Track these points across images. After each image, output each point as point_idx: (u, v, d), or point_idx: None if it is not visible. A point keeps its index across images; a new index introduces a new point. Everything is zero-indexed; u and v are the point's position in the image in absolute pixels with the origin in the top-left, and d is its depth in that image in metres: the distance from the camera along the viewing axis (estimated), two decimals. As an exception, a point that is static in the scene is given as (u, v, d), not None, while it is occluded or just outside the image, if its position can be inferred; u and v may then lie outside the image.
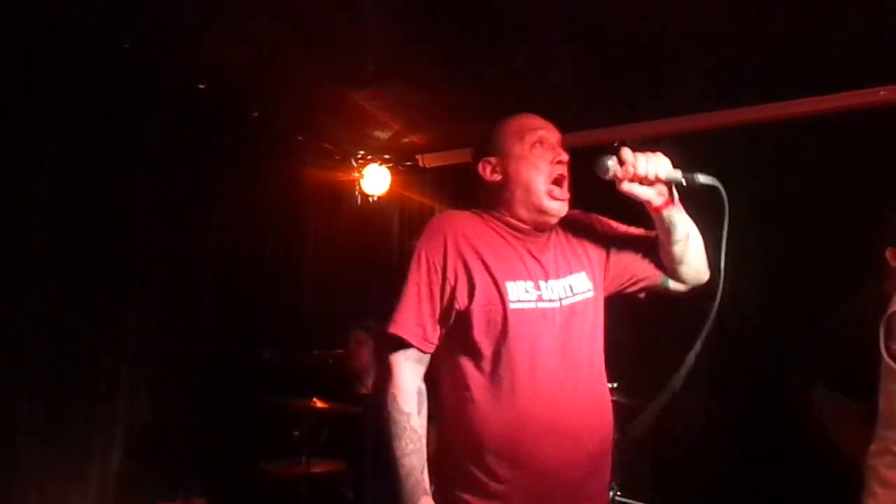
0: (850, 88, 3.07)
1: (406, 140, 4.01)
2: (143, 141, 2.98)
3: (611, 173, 1.53)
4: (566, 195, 1.61)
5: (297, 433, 2.96)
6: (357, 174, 4.19)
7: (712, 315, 1.50)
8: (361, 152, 4.18)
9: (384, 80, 3.27)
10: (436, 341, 1.55)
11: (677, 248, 1.61)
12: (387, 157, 4.18)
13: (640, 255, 1.67)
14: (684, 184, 1.52)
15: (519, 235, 1.60)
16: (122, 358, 2.86)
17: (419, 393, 1.52)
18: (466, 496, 1.50)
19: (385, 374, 1.53)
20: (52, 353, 2.61)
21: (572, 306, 1.56)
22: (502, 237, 1.59)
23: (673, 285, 1.68)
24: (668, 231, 1.59)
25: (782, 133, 3.23)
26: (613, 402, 1.64)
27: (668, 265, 1.65)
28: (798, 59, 2.89)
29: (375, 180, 4.15)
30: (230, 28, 2.76)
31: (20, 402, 2.52)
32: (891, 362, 1.80)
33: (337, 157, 4.15)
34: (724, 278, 1.53)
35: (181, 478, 2.84)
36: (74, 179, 2.71)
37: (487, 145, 1.65)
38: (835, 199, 2.86)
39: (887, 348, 1.81)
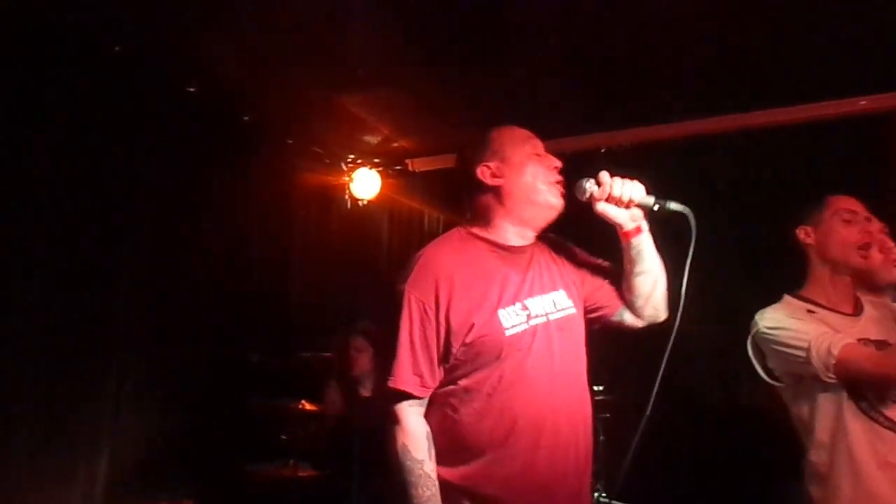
0: (831, 98, 3.14)
1: (396, 144, 4.04)
2: (134, 144, 2.99)
3: (588, 194, 1.61)
4: (563, 194, 1.68)
5: (285, 436, 2.97)
6: (347, 178, 4.21)
7: (672, 336, 1.54)
8: (351, 156, 4.21)
9: (374, 85, 3.30)
10: (434, 384, 1.56)
11: (639, 280, 1.66)
12: (377, 161, 4.21)
13: (605, 284, 1.73)
14: (656, 209, 1.58)
15: (503, 254, 1.64)
16: (111, 360, 2.86)
17: (427, 437, 1.54)
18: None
19: (392, 424, 1.54)
20: (39, 356, 2.60)
21: (558, 321, 1.61)
22: (486, 259, 1.62)
23: (629, 320, 1.72)
24: (633, 261, 1.65)
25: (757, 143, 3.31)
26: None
27: (629, 298, 1.70)
28: (779, 68, 2.95)
29: (365, 184, 4.17)
30: (222, 32, 2.78)
31: (8, 403, 2.52)
32: (768, 379, 1.91)
33: (327, 161, 4.17)
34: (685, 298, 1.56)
35: (168, 480, 2.84)
36: (64, 182, 2.71)
37: (485, 151, 1.69)
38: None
39: (764, 369, 1.92)
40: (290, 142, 3.89)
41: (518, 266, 1.64)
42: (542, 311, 1.60)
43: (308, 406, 2.99)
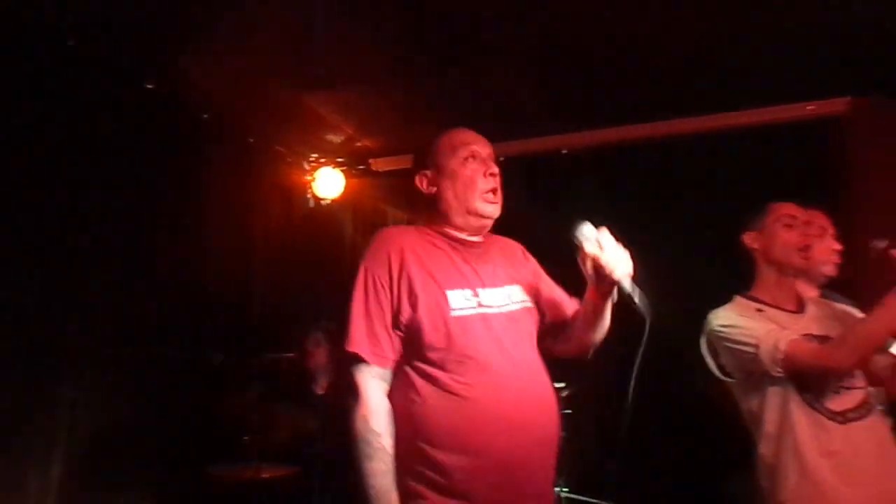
0: (780, 103, 3.27)
1: (359, 144, 4.04)
2: (89, 140, 2.91)
3: (582, 239, 1.62)
4: (498, 200, 1.71)
5: (247, 437, 2.94)
6: (310, 177, 4.18)
7: (644, 338, 1.60)
8: (314, 155, 4.18)
9: (337, 84, 3.29)
10: (393, 355, 1.59)
11: (583, 327, 1.73)
12: (340, 160, 4.19)
13: (552, 306, 1.79)
14: (627, 293, 1.60)
15: (458, 246, 1.69)
16: (67, 361, 2.78)
17: (388, 413, 1.56)
18: (421, 489, 1.54)
19: (353, 395, 1.57)
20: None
21: (512, 313, 1.65)
22: (442, 249, 1.67)
23: (556, 346, 1.78)
24: (590, 316, 1.70)
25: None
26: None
27: (565, 334, 1.77)
28: (735, 74, 3.06)
29: (328, 184, 4.16)
30: (183, 28, 2.74)
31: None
32: (721, 376, 2.01)
33: (289, 160, 4.14)
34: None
35: (126, 482, 2.78)
36: (16, 177, 2.63)
37: (424, 159, 1.73)
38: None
39: (718, 366, 2.02)
40: (251, 140, 3.85)
41: (472, 257, 1.69)
42: (496, 301, 1.64)
43: (270, 408, 2.97)
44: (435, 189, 1.70)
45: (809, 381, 1.87)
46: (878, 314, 1.79)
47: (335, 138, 3.98)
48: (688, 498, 3.08)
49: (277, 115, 3.65)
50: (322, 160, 4.18)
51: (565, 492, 2.64)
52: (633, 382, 1.60)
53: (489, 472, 1.52)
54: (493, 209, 1.70)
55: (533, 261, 1.84)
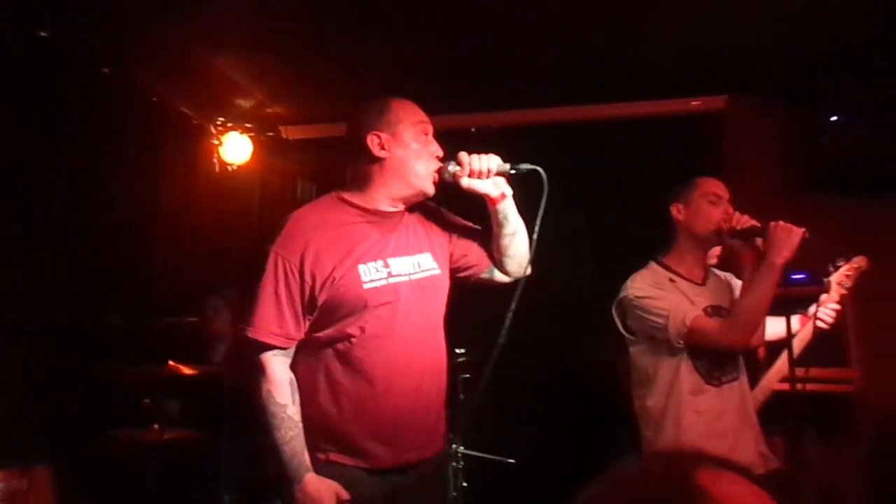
0: (670, 97, 3.56)
1: (269, 110, 3.99)
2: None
3: (452, 175, 1.77)
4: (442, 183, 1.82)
5: (147, 401, 2.91)
6: (216, 141, 4.09)
7: (518, 290, 1.77)
8: (221, 119, 4.09)
9: (249, 49, 3.24)
10: (298, 336, 1.69)
11: (506, 242, 1.85)
12: (248, 126, 4.12)
13: (474, 245, 1.90)
14: (513, 172, 1.78)
15: (370, 218, 1.76)
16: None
17: (291, 384, 1.67)
18: (328, 448, 1.69)
19: (257, 372, 1.66)
20: None
21: (420, 281, 1.76)
22: (353, 222, 1.74)
23: (498, 276, 1.92)
24: (500, 224, 1.84)
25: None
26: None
27: (497, 257, 1.89)
28: (632, 69, 3.29)
29: (236, 149, 4.08)
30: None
31: None
32: (626, 333, 2.25)
33: (195, 122, 4.03)
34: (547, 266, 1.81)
35: (22, 446, 2.69)
36: None
37: (377, 121, 1.76)
38: (638, 196, 3.33)
39: (623, 325, 2.25)
40: (154, 99, 3.71)
41: (384, 229, 1.76)
42: (405, 270, 1.74)
43: (171, 371, 2.94)
44: (386, 154, 1.74)
45: (702, 349, 2.13)
46: (752, 293, 2.06)
47: (244, 103, 3.90)
48: (577, 448, 3.37)
49: (183, 76, 3.54)
50: (230, 125, 4.10)
51: (462, 450, 2.82)
52: (505, 326, 1.72)
53: (380, 431, 1.68)
54: (432, 189, 1.80)
55: (447, 215, 1.93)
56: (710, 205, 2.21)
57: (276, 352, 1.67)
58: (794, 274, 2.68)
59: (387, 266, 1.71)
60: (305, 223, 1.72)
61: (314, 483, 1.62)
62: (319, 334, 1.69)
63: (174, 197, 3.89)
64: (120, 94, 3.40)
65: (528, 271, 1.87)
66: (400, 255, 1.75)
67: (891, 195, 3.14)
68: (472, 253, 1.89)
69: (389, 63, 3.31)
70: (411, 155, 1.75)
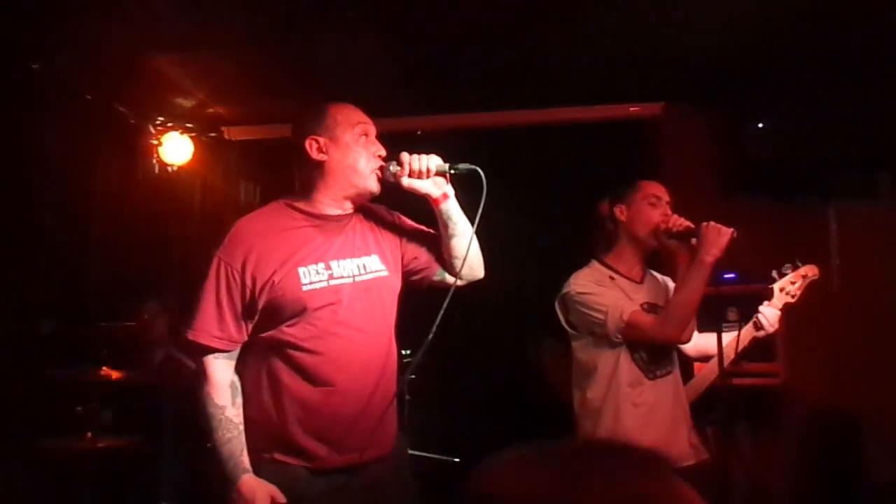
0: (609, 102, 3.67)
1: (211, 110, 3.91)
2: None
3: (393, 175, 1.79)
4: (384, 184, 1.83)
5: (80, 408, 2.81)
6: (155, 141, 3.99)
7: (450, 292, 1.79)
8: (161, 119, 3.99)
9: (189, 47, 3.17)
10: (241, 339, 1.71)
11: (452, 243, 1.85)
12: (189, 126, 4.03)
13: (424, 248, 1.91)
14: (452, 172, 1.80)
15: (315, 222, 1.77)
16: None
17: (232, 386, 1.70)
18: (272, 447, 1.70)
19: (198, 375, 1.69)
20: None
21: (365, 283, 1.77)
22: (297, 227, 1.76)
23: (449, 279, 1.89)
24: (446, 225, 1.84)
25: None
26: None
27: (447, 259, 1.88)
28: (574, 75, 3.38)
29: (176, 149, 3.98)
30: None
31: None
32: (568, 329, 2.32)
33: (132, 122, 3.91)
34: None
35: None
36: None
37: (315, 125, 1.78)
38: (580, 197, 3.42)
39: (566, 321, 2.33)
40: (88, 97, 3.59)
41: (328, 232, 1.78)
42: (348, 272, 1.75)
43: (105, 377, 2.85)
44: (325, 157, 1.76)
45: (641, 344, 2.21)
46: (684, 291, 2.15)
47: (185, 102, 3.81)
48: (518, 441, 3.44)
49: (120, 74, 3.43)
50: (169, 124, 4.00)
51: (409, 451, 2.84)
52: (435, 325, 1.74)
53: (322, 431, 1.70)
54: (377, 187, 1.81)
55: (399, 219, 1.94)
56: (650, 206, 2.29)
57: (216, 354, 1.69)
58: (726, 273, 2.81)
59: (328, 268, 1.73)
60: (249, 229, 1.75)
61: (249, 484, 1.64)
62: (263, 336, 1.71)
63: (110, 198, 3.76)
64: (50, 92, 3.27)
65: (481, 274, 1.90)
66: (344, 258, 1.76)
67: (811, 199, 3.33)
68: (422, 256, 1.90)
69: (334, 64, 3.30)
70: (351, 156, 1.77)
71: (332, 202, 1.79)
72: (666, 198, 2.32)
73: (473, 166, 1.78)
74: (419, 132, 3.84)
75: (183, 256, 3.97)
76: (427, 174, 1.78)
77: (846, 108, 3.17)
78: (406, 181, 1.79)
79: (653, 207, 2.29)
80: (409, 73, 3.38)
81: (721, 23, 2.83)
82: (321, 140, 1.77)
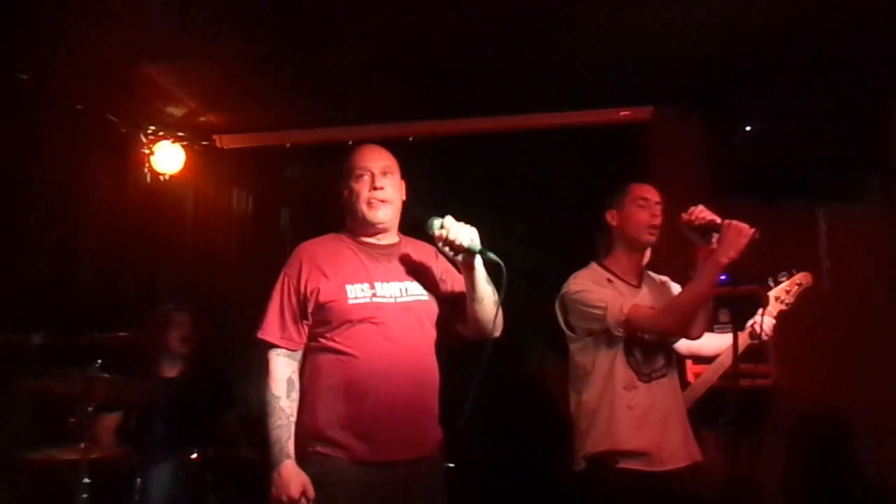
0: (600, 107, 3.70)
1: (203, 119, 3.91)
2: None
3: (430, 230, 1.94)
4: (383, 208, 2.05)
5: (73, 420, 2.79)
6: (147, 150, 3.98)
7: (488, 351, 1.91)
8: (152, 128, 3.99)
9: (180, 56, 3.18)
10: (300, 339, 2.00)
11: (472, 306, 2.01)
12: (181, 134, 4.03)
13: (452, 297, 2.09)
14: (478, 253, 1.92)
15: (363, 248, 2.06)
16: None
17: (289, 381, 1.96)
18: (317, 447, 1.90)
19: (263, 369, 1.97)
20: None
21: (406, 304, 1.99)
22: (349, 250, 2.05)
23: (460, 329, 2.09)
24: (469, 288, 1.99)
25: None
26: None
27: (464, 315, 2.04)
28: (565, 79, 3.41)
29: (168, 158, 3.99)
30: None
31: None
32: (568, 332, 2.35)
33: (124, 131, 3.91)
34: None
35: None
36: None
37: (340, 172, 2.11)
38: (576, 203, 3.42)
39: (565, 322, 2.35)
40: (79, 107, 3.59)
41: (374, 258, 2.04)
42: (390, 293, 1.98)
43: (99, 389, 2.83)
44: (343, 201, 2.09)
45: (635, 344, 2.23)
46: (692, 286, 2.16)
47: (176, 111, 3.82)
48: (515, 451, 3.45)
49: (111, 83, 3.43)
50: (161, 133, 4.00)
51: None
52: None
53: (359, 428, 1.89)
54: (377, 215, 2.04)
55: (442, 260, 2.12)
56: (638, 208, 2.32)
57: (278, 351, 1.97)
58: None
59: (372, 288, 1.97)
60: (307, 249, 2.06)
61: (288, 469, 1.86)
62: (315, 343, 1.98)
63: (101, 208, 3.75)
64: (41, 102, 3.27)
65: (493, 336, 2.00)
66: (388, 281, 2.00)
67: (800, 202, 3.36)
68: (447, 303, 2.08)
69: (325, 72, 3.32)
70: (353, 195, 2.06)
71: (364, 234, 2.07)
72: (655, 198, 2.34)
73: (498, 260, 1.89)
74: (411, 138, 3.85)
75: (177, 264, 3.96)
76: (458, 249, 1.92)
77: (833, 111, 3.21)
78: (440, 244, 1.95)
79: (641, 208, 2.31)
80: (400, 80, 3.39)
81: (710, 27, 2.87)
82: (342, 188, 2.09)
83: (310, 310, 1.98)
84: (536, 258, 3.69)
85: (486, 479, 3.36)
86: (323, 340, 1.97)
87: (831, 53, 3.05)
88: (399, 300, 1.99)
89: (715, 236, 2.12)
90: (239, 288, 3.69)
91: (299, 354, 2.00)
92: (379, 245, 2.08)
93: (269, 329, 1.99)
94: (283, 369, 1.96)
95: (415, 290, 2.03)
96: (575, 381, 2.33)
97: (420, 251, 2.12)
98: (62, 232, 3.52)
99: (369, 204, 2.03)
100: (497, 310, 1.97)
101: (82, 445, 2.71)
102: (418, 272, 2.07)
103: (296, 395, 1.95)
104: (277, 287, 2.02)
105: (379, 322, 1.94)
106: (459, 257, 1.95)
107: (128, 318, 3.37)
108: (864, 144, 3.27)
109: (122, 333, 3.23)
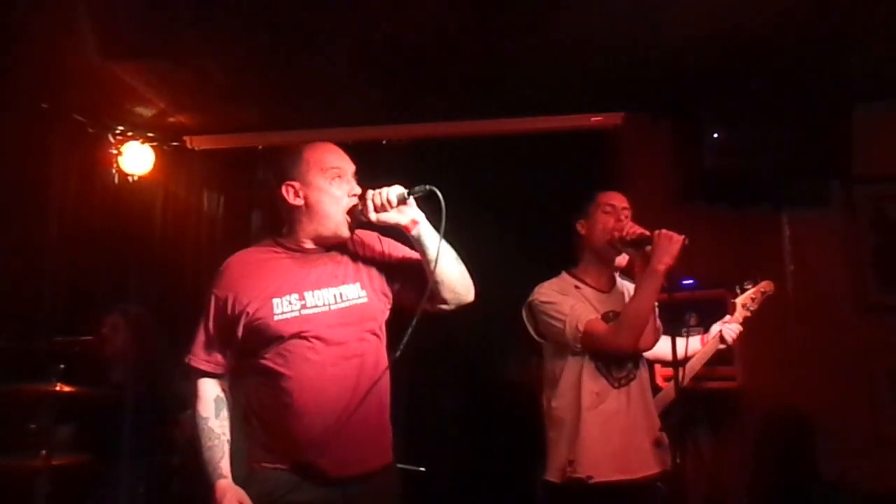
0: (571, 113, 3.74)
1: (173, 119, 3.86)
2: None
3: (361, 215, 1.85)
4: (357, 223, 1.91)
5: (34, 425, 2.72)
6: (115, 151, 3.91)
7: (417, 314, 1.82)
8: (120, 128, 3.92)
9: (149, 55, 3.13)
10: (227, 364, 1.92)
11: (431, 268, 1.86)
12: (150, 135, 3.97)
13: (410, 274, 1.95)
14: (410, 197, 1.84)
15: (295, 256, 1.92)
16: None
17: (217, 400, 1.90)
18: (262, 463, 1.85)
19: (192, 392, 1.91)
20: None
21: (341, 310, 1.87)
22: (278, 261, 1.91)
23: (432, 306, 1.92)
24: (422, 251, 1.88)
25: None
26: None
27: (430, 284, 1.89)
28: (535, 81, 3.43)
29: (136, 159, 3.91)
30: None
31: None
32: (537, 338, 2.37)
33: (90, 131, 3.84)
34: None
35: None
36: None
37: (290, 170, 1.91)
38: (544, 207, 3.43)
39: (535, 330, 2.37)
40: (44, 106, 3.51)
41: (305, 264, 1.90)
42: (323, 301, 1.86)
43: (61, 392, 2.77)
44: (301, 202, 1.89)
45: (601, 353, 2.25)
46: (636, 300, 2.19)
47: (145, 111, 3.75)
48: (486, 455, 3.44)
49: (78, 83, 3.36)
50: (129, 133, 3.93)
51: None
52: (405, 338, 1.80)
53: (302, 446, 1.80)
54: (348, 232, 1.91)
55: (386, 244, 2.00)
56: (604, 215, 2.36)
57: (207, 375, 1.91)
58: (684, 279, 2.87)
59: (302, 299, 1.85)
60: (237, 263, 1.93)
61: (222, 487, 1.80)
62: (248, 361, 1.88)
63: (67, 209, 3.67)
64: (5, 101, 3.19)
65: (469, 298, 1.93)
66: (320, 288, 1.87)
67: (766, 207, 3.43)
68: (408, 282, 1.96)
69: (299, 74, 3.30)
70: (324, 201, 1.88)
71: (309, 240, 1.92)
72: (622, 205, 2.37)
73: (430, 187, 1.83)
74: (384, 141, 3.84)
75: (145, 266, 3.89)
76: (389, 205, 1.84)
77: (798, 119, 3.29)
78: (373, 216, 1.85)
79: (607, 216, 2.34)
80: (372, 83, 3.38)
81: (680, 36, 2.91)
82: (296, 185, 1.89)
83: (239, 332, 1.86)
84: (509, 263, 3.71)
85: (459, 485, 3.36)
86: (255, 360, 1.86)
87: (796, 63, 3.13)
88: (334, 307, 1.87)
89: (648, 248, 2.19)
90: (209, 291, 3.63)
91: (226, 376, 1.93)
92: (311, 249, 1.93)
93: (196, 354, 1.91)
94: (210, 390, 1.90)
95: (351, 294, 1.89)
96: (546, 389, 2.34)
97: (358, 244, 1.98)
98: (27, 234, 3.43)
99: (343, 215, 1.88)
100: (460, 266, 1.88)
101: (43, 452, 2.65)
102: (357, 271, 1.93)
103: (226, 412, 1.89)
104: (206, 309, 1.91)
105: (311, 336, 1.82)
106: (402, 220, 1.84)
107: (93, 322, 3.29)
108: (828, 152, 3.34)
109: (86, 338, 3.18)
